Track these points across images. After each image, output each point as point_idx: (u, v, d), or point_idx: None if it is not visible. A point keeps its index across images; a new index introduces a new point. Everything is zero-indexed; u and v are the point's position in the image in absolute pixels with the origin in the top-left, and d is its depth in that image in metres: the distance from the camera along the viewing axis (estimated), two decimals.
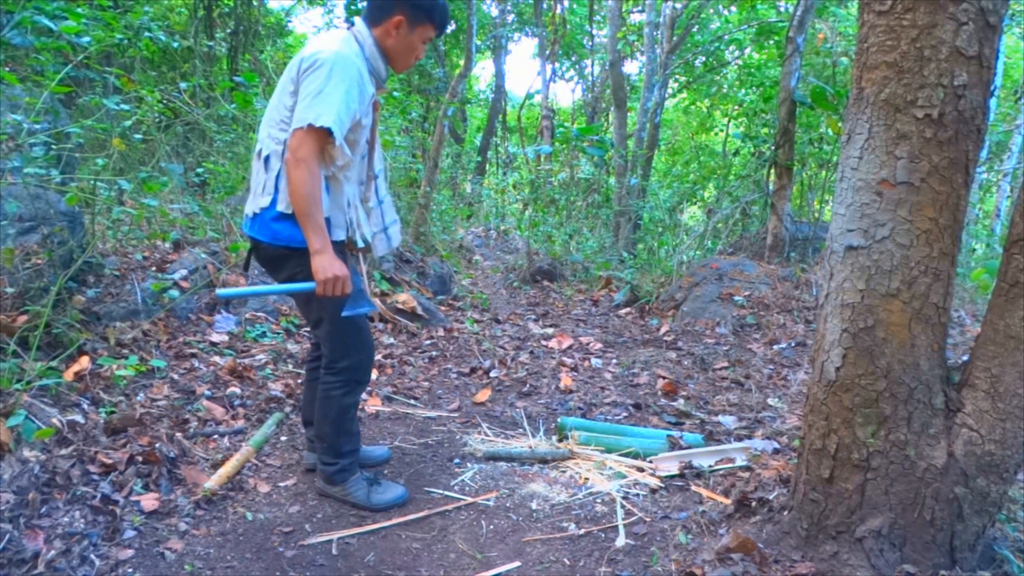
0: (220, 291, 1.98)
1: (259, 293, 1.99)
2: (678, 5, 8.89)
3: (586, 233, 7.70)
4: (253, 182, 2.06)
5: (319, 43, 1.98)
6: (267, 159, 1.99)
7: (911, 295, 1.53)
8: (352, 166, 2.05)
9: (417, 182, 7.00)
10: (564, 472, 2.48)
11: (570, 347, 4.19)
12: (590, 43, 13.69)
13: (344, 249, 2.11)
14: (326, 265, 1.92)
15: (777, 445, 2.58)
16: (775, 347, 4.10)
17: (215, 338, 3.23)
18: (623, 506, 2.21)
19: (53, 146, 2.97)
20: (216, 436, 2.51)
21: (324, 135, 1.88)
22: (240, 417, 2.69)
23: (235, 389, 2.85)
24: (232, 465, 2.28)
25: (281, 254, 2.01)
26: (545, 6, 11.82)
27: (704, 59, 10.99)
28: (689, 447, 2.61)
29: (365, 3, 2.14)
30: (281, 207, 1.96)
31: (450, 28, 13.99)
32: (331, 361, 2.14)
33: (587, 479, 2.41)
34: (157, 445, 2.23)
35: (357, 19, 2.13)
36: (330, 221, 2.03)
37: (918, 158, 1.49)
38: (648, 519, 2.13)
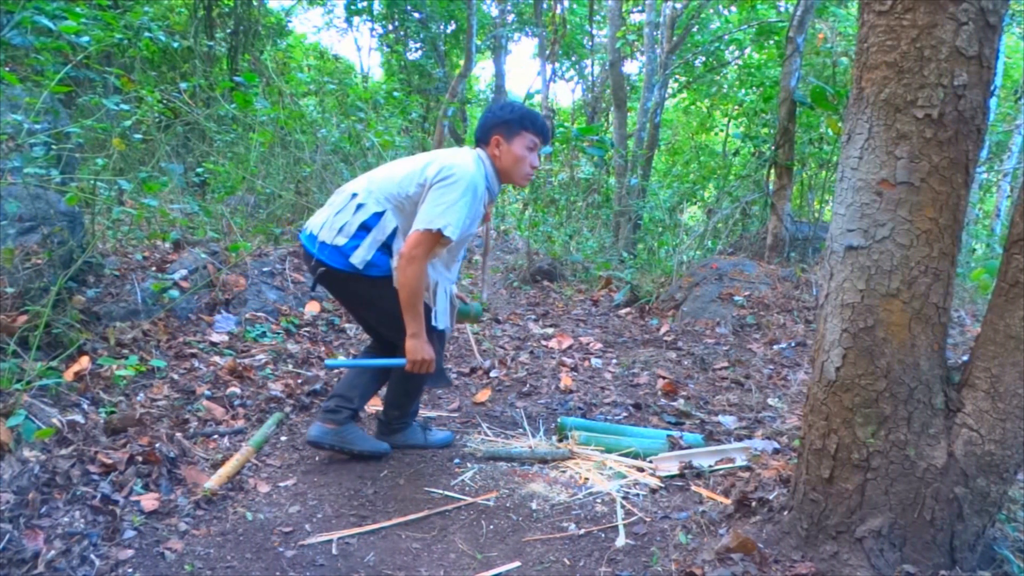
0: (328, 361, 2.48)
1: (361, 365, 2.46)
2: (678, 5, 8.88)
3: (586, 233, 7.70)
4: (333, 213, 2.31)
5: (457, 158, 2.27)
6: (360, 206, 2.28)
7: (911, 295, 1.53)
8: (451, 266, 2.41)
9: None
10: (564, 472, 2.48)
11: (570, 347, 4.19)
12: (590, 43, 13.68)
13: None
14: (419, 348, 2.26)
15: (777, 445, 2.58)
16: (775, 347, 4.10)
17: (215, 338, 3.23)
18: (623, 506, 2.21)
19: (53, 146, 2.97)
20: (216, 436, 2.51)
21: (440, 238, 2.17)
22: (240, 417, 2.69)
23: (235, 389, 2.85)
24: (232, 465, 2.28)
25: (348, 278, 2.29)
26: (545, 6, 11.82)
27: (704, 59, 10.99)
28: (689, 447, 2.61)
29: (476, 131, 2.44)
30: (355, 261, 2.25)
31: (450, 28, 14.01)
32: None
33: (587, 479, 2.41)
34: (157, 445, 2.23)
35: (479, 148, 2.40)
36: None
37: (918, 158, 1.49)
38: (648, 519, 2.13)
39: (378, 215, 2.27)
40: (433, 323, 2.37)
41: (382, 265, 2.28)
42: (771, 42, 9.14)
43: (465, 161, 2.27)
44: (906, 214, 1.51)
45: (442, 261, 2.36)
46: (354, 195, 2.31)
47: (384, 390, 2.66)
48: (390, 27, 14.05)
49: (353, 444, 2.46)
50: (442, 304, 2.40)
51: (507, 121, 2.34)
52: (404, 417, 2.61)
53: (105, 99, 3.25)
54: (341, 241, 2.26)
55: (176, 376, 2.84)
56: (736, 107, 11.11)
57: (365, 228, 2.27)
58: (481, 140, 2.39)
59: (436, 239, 2.18)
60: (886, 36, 1.49)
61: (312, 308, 3.84)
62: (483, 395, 3.28)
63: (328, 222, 2.31)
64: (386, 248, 2.29)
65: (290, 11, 11.68)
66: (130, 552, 1.83)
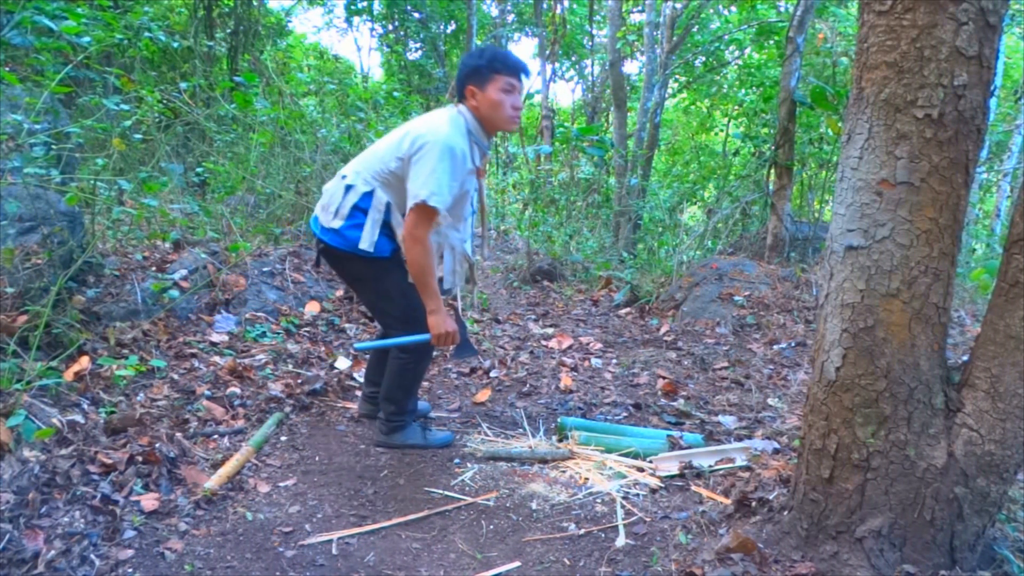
0: (358, 344, 2.59)
1: (389, 344, 2.53)
2: (678, 5, 8.88)
3: (586, 233, 7.69)
4: (328, 196, 2.38)
5: (429, 123, 2.26)
6: (349, 187, 2.32)
7: (911, 295, 1.53)
8: (458, 225, 2.39)
9: None
10: (564, 472, 2.48)
11: (570, 347, 4.19)
12: (590, 43, 13.68)
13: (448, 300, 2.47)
14: (439, 323, 2.32)
15: (777, 445, 2.58)
16: (775, 347, 4.10)
17: (215, 338, 3.23)
18: (623, 506, 2.21)
19: (53, 146, 2.97)
20: (216, 436, 2.51)
21: (434, 210, 2.19)
22: (240, 417, 2.69)
23: (235, 389, 2.85)
24: (232, 465, 2.28)
25: (344, 256, 2.36)
26: (545, 6, 11.82)
27: (704, 59, 10.98)
28: (689, 447, 2.61)
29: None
30: (364, 245, 2.30)
31: (450, 28, 14.01)
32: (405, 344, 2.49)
33: (587, 479, 2.41)
34: (157, 445, 2.23)
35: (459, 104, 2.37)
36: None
37: (918, 158, 1.49)
38: (648, 519, 2.13)
39: (368, 195, 2.30)
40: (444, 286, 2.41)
41: (379, 246, 2.33)
42: (771, 42, 9.13)
43: (438, 125, 2.24)
44: (906, 214, 1.51)
45: (447, 224, 2.36)
46: (343, 177, 2.36)
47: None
48: (390, 27, 14.04)
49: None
50: (448, 265, 2.43)
51: (476, 68, 2.26)
52: (400, 414, 2.61)
53: (105, 99, 3.25)
54: (337, 224, 2.32)
55: (176, 376, 2.84)
56: (736, 107, 11.10)
57: (361, 210, 2.30)
58: (459, 95, 2.34)
59: (429, 211, 2.19)
60: (886, 36, 1.49)
61: (312, 308, 3.84)
62: (483, 395, 3.28)
63: (325, 205, 2.38)
64: (386, 226, 2.33)
65: (290, 11, 11.67)
66: (130, 552, 1.83)
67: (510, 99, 2.29)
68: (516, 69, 2.29)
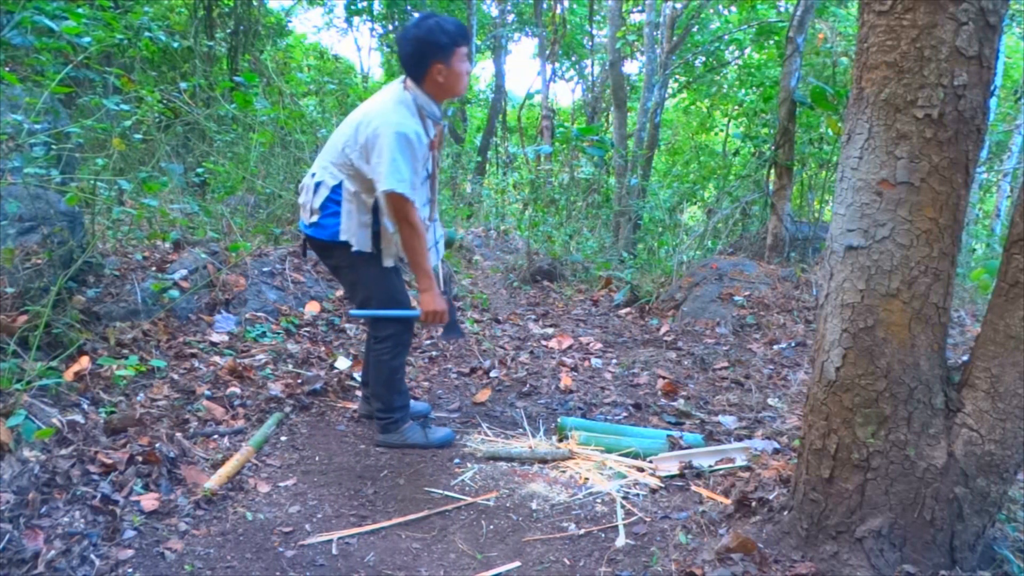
0: (353, 311, 2.58)
1: (379, 315, 2.54)
2: (678, 5, 8.88)
3: (586, 233, 7.69)
4: (304, 196, 2.45)
5: (379, 109, 2.27)
6: (319, 184, 2.38)
7: (911, 295, 1.53)
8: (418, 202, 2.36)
9: None
10: (564, 472, 2.48)
11: (570, 347, 4.19)
12: (590, 43, 13.68)
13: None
14: (430, 301, 2.38)
15: (777, 445, 2.58)
16: (775, 347, 4.10)
17: (215, 338, 3.23)
18: (623, 506, 2.21)
19: (53, 146, 2.97)
20: (216, 436, 2.51)
21: (405, 197, 2.23)
22: (240, 417, 2.69)
23: (235, 389, 2.85)
24: (232, 465, 2.28)
25: (328, 245, 2.41)
26: (545, 6, 11.81)
27: (704, 59, 10.98)
28: (689, 447, 2.61)
29: (404, 63, 2.33)
30: (345, 237, 2.35)
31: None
32: (377, 332, 2.56)
33: (587, 479, 2.41)
34: (157, 445, 2.23)
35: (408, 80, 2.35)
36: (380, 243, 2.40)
37: (918, 158, 1.49)
38: (648, 519, 2.13)
39: (337, 187, 2.36)
40: (384, 264, 2.43)
41: (360, 241, 2.37)
42: (771, 42, 9.14)
43: (387, 111, 2.26)
44: (906, 214, 1.51)
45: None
46: (313, 175, 2.42)
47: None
48: (390, 27, 14.04)
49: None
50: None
51: (442, 45, 2.24)
52: (388, 411, 2.62)
53: (105, 99, 3.25)
54: (315, 219, 2.40)
55: (176, 376, 2.84)
56: (736, 107, 11.11)
57: (334, 201, 2.36)
58: (419, 73, 2.29)
59: (402, 198, 2.23)
60: (886, 36, 1.49)
61: (312, 308, 3.84)
62: (483, 395, 3.28)
63: (302, 204, 2.46)
64: (369, 218, 2.38)
65: (290, 11, 11.67)
66: (130, 552, 1.83)
67: (467, 67, 2.34)
68: (469, 36, 2.35)
